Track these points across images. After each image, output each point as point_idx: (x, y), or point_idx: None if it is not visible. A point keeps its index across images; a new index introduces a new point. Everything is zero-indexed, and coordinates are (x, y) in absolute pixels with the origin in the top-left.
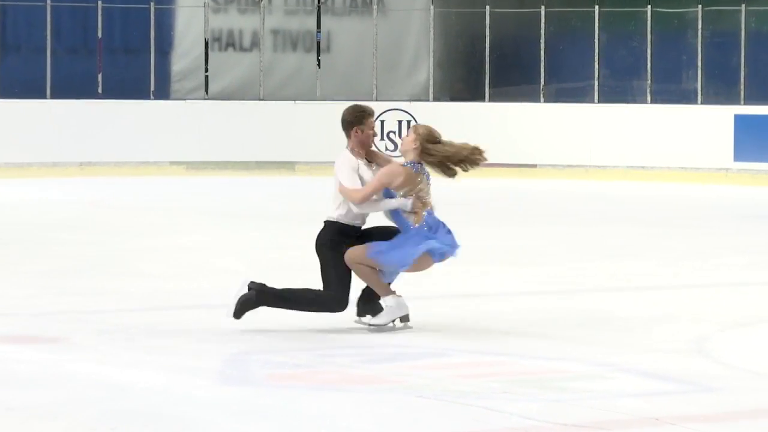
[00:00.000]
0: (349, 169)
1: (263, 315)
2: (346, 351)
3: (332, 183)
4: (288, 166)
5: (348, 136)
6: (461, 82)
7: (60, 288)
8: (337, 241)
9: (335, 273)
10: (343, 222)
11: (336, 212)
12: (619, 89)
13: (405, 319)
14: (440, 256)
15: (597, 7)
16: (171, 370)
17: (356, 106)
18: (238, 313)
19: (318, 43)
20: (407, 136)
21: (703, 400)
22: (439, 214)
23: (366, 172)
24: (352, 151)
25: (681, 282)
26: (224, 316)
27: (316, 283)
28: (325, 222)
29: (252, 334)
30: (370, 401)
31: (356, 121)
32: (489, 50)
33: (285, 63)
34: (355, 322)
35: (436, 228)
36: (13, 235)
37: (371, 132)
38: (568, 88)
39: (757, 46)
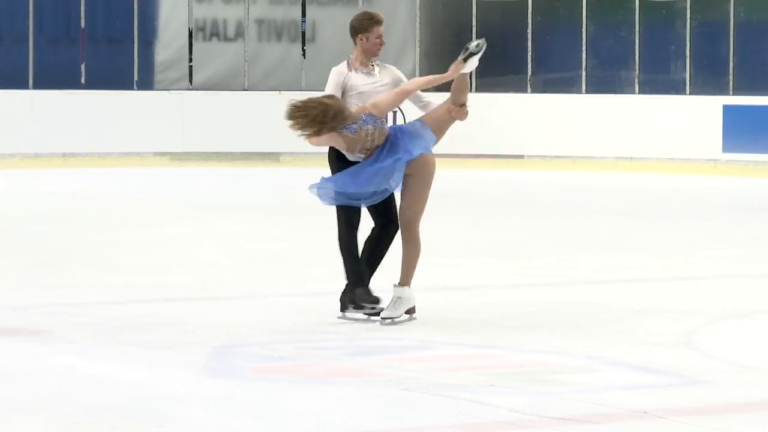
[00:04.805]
0: (333, 84)
1: (246, 307)
2: (331, 344)
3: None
4: (273, 157)
5: (354, 43)
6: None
7: (41, 280)
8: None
9: None
10: None
11: None
12: (607, 79)
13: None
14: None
15: None
16: (153, 364)
17: (365, 12)
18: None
19: (303, 33)
20: None
21: (691, 393)
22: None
23: (359, 80)
24: (348, 60)
25: (670, 274)
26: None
27: (305, 278)
28: None
29: (235, 327)
30: (356, 394)
31: (362, 28)
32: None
33: (270, 53)
34: (339, 318)
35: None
36: None
37: (377, 40)
38: (555, 78)
39: (746, 36)
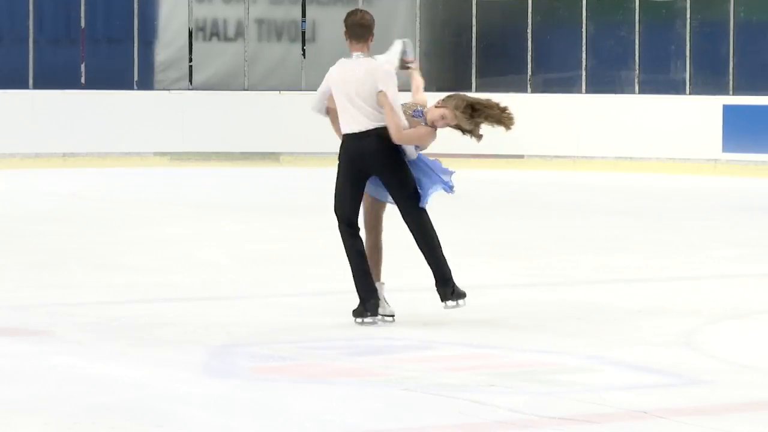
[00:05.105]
0: (395, 86)
1: (246, 307)
2: (331, 344)
3: (367, 90)
4: (273, 157)
5: (367, 41)
6: (448, 72)
7: (41, 280)
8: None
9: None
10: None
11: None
12: (607, 79)
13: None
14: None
15: None
16: (153, 364)
17: (362, 10)
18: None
19: (303, 33)
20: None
21: (692, 393)
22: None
23: None
24: (371, 57)
25: (670, 274)
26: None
27: (305, 278)
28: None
29: (235, 327)
30: (356, 394)
31: (373, 26)
32: (476, 40)
33: (270, 53)
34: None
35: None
36: None
37: None
38: (555, 78)
39: (746, 36)
